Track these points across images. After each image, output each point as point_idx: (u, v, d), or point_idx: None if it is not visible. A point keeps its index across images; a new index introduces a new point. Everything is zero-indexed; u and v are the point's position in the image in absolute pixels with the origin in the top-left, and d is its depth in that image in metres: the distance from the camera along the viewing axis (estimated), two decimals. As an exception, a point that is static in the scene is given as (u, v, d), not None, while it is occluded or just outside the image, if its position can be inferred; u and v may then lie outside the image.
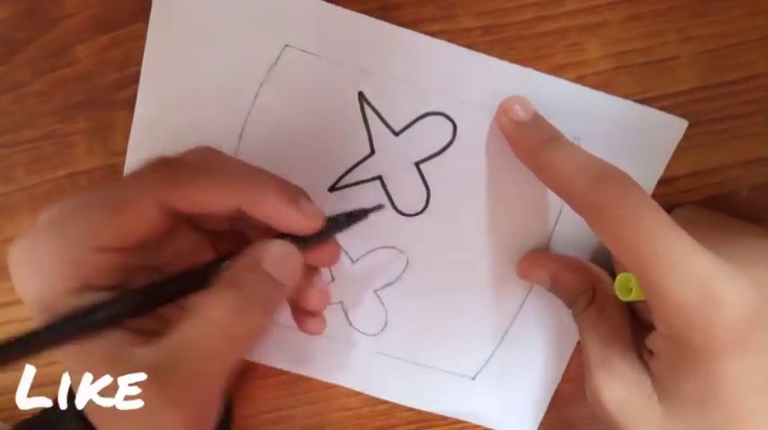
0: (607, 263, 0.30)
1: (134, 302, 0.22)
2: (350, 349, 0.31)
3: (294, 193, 0.24)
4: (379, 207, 0.27)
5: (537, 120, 0.27)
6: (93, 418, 0.23)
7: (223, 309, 0.22)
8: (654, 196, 0.30)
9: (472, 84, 0.28)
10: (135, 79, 0.29)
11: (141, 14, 0.28)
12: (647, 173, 0.29)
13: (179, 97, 0.28)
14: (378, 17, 0.28)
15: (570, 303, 0.29)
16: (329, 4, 0.27)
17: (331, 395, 0.32)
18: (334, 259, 0.27)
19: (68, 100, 0.29)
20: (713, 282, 0.21)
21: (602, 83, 0.29)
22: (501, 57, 0.28)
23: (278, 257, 0.23)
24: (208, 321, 0.22)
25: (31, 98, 0.29)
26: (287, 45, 0.28)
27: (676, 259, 0.22)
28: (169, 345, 0.21)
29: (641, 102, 0.29)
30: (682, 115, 0.29)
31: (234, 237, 0.27)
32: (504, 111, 0.27)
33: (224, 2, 0.27)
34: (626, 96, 0.29)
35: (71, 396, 0.24)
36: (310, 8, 0.27)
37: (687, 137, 0.29)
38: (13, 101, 0.29)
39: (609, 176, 0.23)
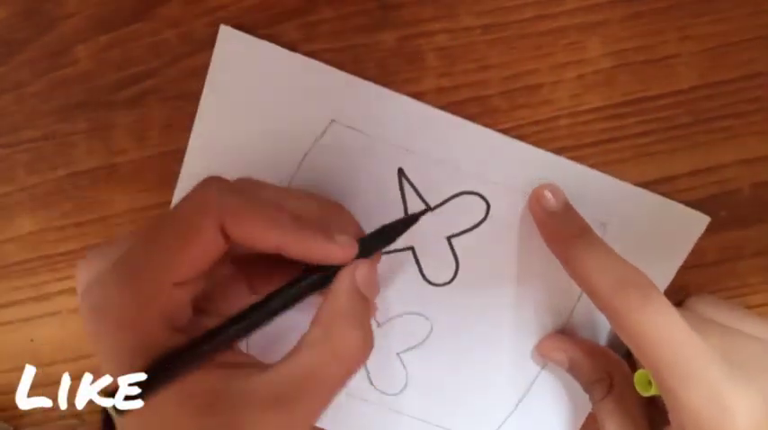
0: (623, 344, 0.30)
1: (248, 321, 0.23)
2: (368, 407, 0.32)
3: (328, 229, 0.25)
4: (425, 211, 0.29)
5: (567, 211, 0.28)
6: None
7: (350, 338, 0.23)
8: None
9: (506, 167, 0.29)
10: (135, 79, 0.29)
11: (141, 14, 0.28)
12: (666, 263, 0.30)
13: (225, 162, 0.29)
14: (378, 17, 0.28)
15: (588, 389, 0.30)
16: (377, 85, 0.28)
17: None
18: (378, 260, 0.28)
19: (68, 100, 0.29)
20: (725, 395, 0.23)
21: (603, 81, 0.29)
22: (501, 55, 0.28)
23: (367, 278, 0.24)
24: (335, 351, 0.23)
25: (31, 98, 0.29)
26: (333, 120, 0.29)
27: (692, 371, 0.23)
28: (291, 373, 0.23)
29: (641, 100, 0.29)
30: (682, 113, 0.29)
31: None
32: (536, 199, 0.28)
33: (279, 74, 0.28)
34: (626, 95, 0.29)
35: None
36: (359, 88, 0.29)
37: (687, 135, 0.29)
38: (14, 101, 0.29)
39: (632, 283, 0.25)
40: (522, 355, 0.31)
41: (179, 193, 0.30)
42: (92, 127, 0.30)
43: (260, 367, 0.24)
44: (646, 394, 0.27)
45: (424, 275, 0.31)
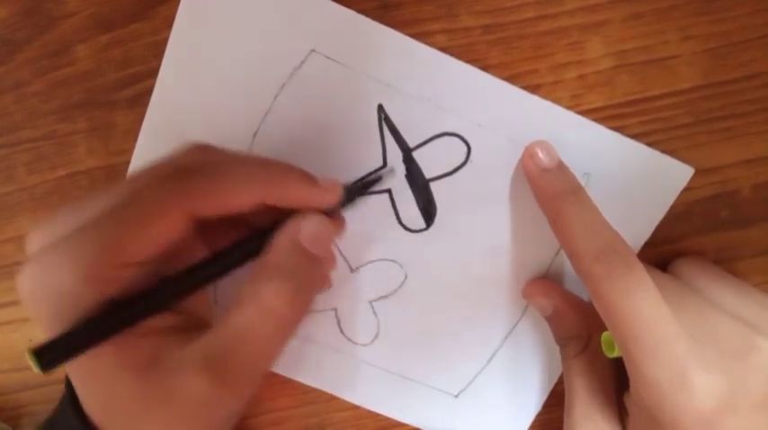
0: None
1: (175, 288, 0.22)
2: (338, 356, 0.31)
3: (307, 173, 0.24)
4: (389, 170, 0.28)
5: (561, 169, 0.28)
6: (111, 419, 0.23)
7: (279, 295, 0.22)
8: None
9: (491, 110, 0.29)
10: (135, 79, 0.29)
11: (141, 14, 0.28)
12: (648, 215, 0.30)
13: (198, 90, 0.29)
14: (378, 16, 0.28)
15: (562, 343, 0.30)
16: (360, 15, 0.28)
17: (331, 395, 0.32)
18: (342, 228, 0.27)
19: (69, 100, 0.29)
20: (687, 371, 0.23)
21: (603, 81, 0.29)
22: (501, 55, 0.28)
23: (314, 233, 0.23)
24: (264, 308, 0.22)
25: (31, 98, 0.29)
26: (313, 50, 0.28)
27: (657, 343, 0.23)
28: (221, 334, 0.22)
29: (642, 101, 0.29)
30: (683, 114, 0.29)
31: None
32: (529, 155, 0.28)
33: (254, 1, 0.27)
34: (627, 95, 0.29)
35: (76, 404, 0.24)
36: (340, 17, 0.28)
37: (688, 136, 0.29)
38: (14, 101, 0.29)
39: (615, 251, 0.25)
40: (498, 307, 0.31)
41: (146, 126, 0.29)
42: (92, 126, 0.30)
43: (202, 328, 0.23)
44: (610, 355, 0.27)
45: (400, 220, 0.30)
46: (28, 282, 0.21)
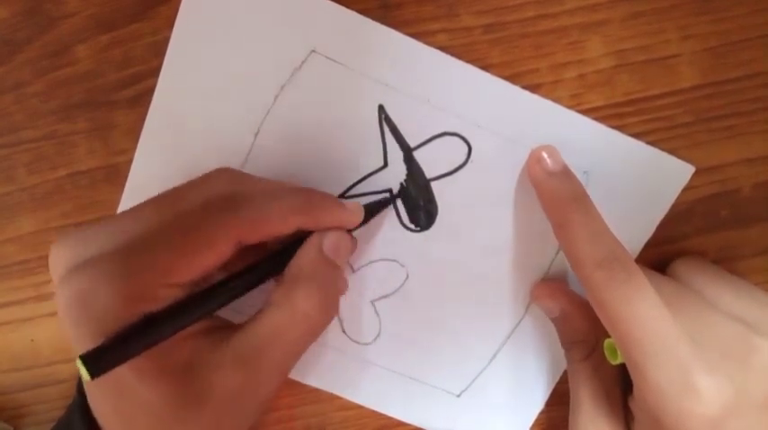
0: None
1: (211, 301, 0.23)
2: (339, 356, 0.32)
3: (335, 198, 0.27)
4: (398, 195, 0.29)
5: (566, 174, 0.28)
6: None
7: (309, 300, 0.24)
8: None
9: (491, 110, 0.29)
10: (135, 79, 0.29)
11: (142, 14, 0.28)
12: (649, 214, 0.30)
13: (199, 90, 0.29)
14: (378, 16, 0.28)
15: (568, 346, 0.30)
16: (361, 15, 0.28)
17: (333, 394, 0.32)
18: (354, 245, 0.29)
19: (69, 100, 0.29)
20: (692, 376, 0.23)
21: (603, 81, 0.29)
22: (502, 55, 0.28)
23: (335, 243, 0.26)
24: (295, 312, 0.24)
25: (31, 98, 0.29)
26: (313, 51, 0.28)
27: (659, 346, 0.23)
28: (254, 333, 0.24)
29: (642, 100, 0.29)
30: (683, 113, 0.29)
31: None
32: (535, 159, 0.28)
33: (255, 1, 0.28)
34: (627, 94, 0.29)
35: (86, 410, 0.24)
36: (341, 17, 0.28)
37: (688, 135, 0.29)
38: (14, 101, 0.29)
39: (616, 257, 0.25)
40: (500, 306, 0.31)
41: (147, 127, 0.29)
42: (92, 127, 0.30)
43: (230, 329, 0.24)
44: (613, 362, 0.27)
45: (401, 220, 0.30)
46: (68, 298, 0.22)
